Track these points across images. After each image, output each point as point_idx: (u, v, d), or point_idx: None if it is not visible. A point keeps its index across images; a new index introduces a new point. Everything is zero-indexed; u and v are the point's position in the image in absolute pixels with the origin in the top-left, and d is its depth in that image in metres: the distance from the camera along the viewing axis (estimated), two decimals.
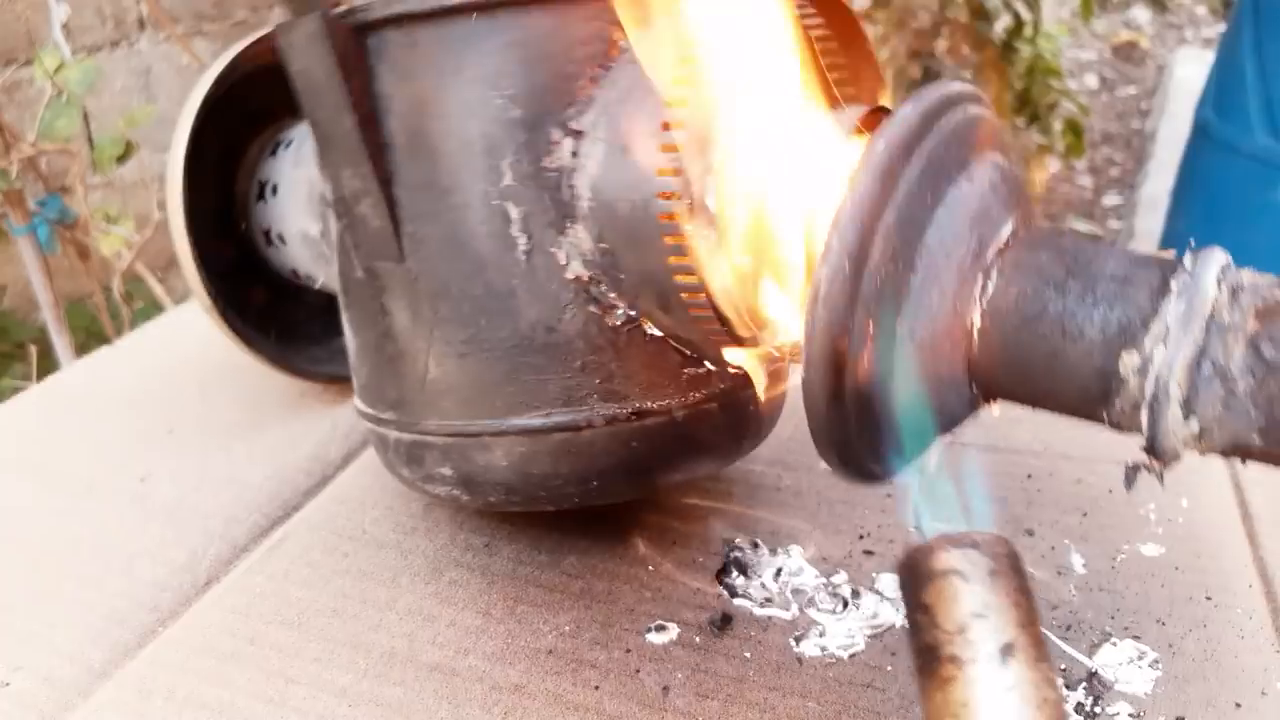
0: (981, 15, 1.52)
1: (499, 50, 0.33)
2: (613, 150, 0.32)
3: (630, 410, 0.36)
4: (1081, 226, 2.34)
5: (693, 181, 0.30)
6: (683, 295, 0.32)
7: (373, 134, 0.35)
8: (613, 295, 0.34)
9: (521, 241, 0.34)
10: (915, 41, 1.56)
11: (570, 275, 0.34)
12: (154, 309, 1.05)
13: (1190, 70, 2.74)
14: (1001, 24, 1.59)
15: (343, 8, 0.34)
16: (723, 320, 0.32)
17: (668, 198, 0.30)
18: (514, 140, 0.34)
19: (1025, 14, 1.57)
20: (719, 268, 0.30)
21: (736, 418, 0.38)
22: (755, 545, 0.42)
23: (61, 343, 0.96)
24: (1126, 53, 3.17)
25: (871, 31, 1.66)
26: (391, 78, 0.35)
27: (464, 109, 0.34)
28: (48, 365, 0.98)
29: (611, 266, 0.33)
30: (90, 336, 1.06)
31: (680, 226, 0.30)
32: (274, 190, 0.52)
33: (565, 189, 0.34)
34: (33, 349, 0.98)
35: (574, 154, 0.33)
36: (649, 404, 0.36)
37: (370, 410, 0.40)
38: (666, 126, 0.30)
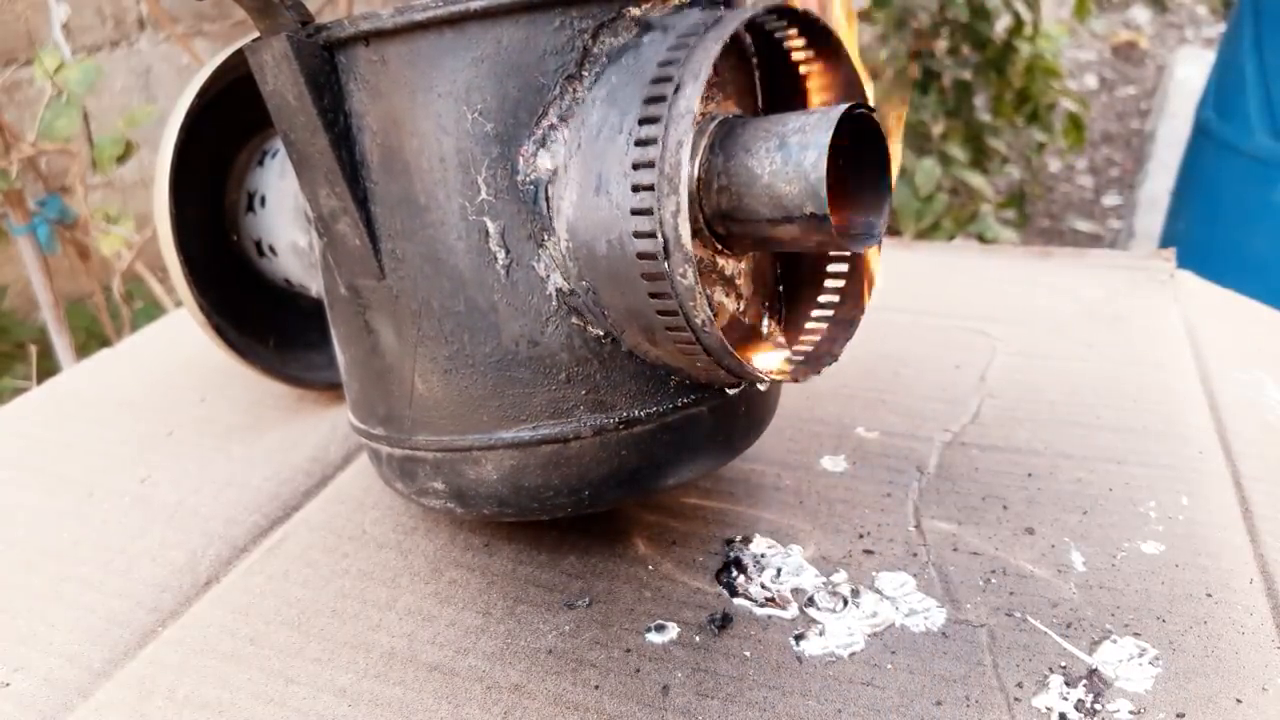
0: (981, 15, 1.52)
1: (469, 65, 0.33)
2: (586, 191, 0.32)
3: (618, 420, 0.36)
4: (1082, 226, 2.34)
5: (665, 221, 0.30)
6: (667, 330, 0.32)
7: (347, 153, 0.35)
8: (595, 306, 0.34)
9: (500, 256, 0.34)
10: (915, 41, 1.56)
11: (551, 288, 0.34)
12: (154, 309, 1.05)
13: (1190, 70, 2.74)
14: (1001, 24, 1.59)
15: (311, 26, 0.34)
16: (709, 351, 0.32)
17: (642, 236, 0.30)
18: (488, 155, 0.33)
19: (1025, 14, 1.57)
20: (699, 303, 0.30)
21: (727, 421, 0.38)
22: (755, 545, 0.42)
23: (61, 343, 0.96)
24: (1126, 53, 3.17)
25: (871, 32, 1.66)
26: (363, 96, 0.34)
27: (437, 125, 0.34)
28: (48, 365, 0.98)
29: (595, 303, 0.33)
30: (90, 336, 1.06)
31: (658, 265, 0.30)
32: (262, 201, 0.52)
33: (542, 201, 0.33)
34: (33, 349, 0.98)
35: (549, 166, 0.33)
36: (637, 412, 0.36)
37: (362, 425, 0.40)
38: (637, 166, 0.30)
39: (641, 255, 0.30)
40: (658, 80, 0.31)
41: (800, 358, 0.38)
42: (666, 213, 0.30)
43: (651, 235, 0.30)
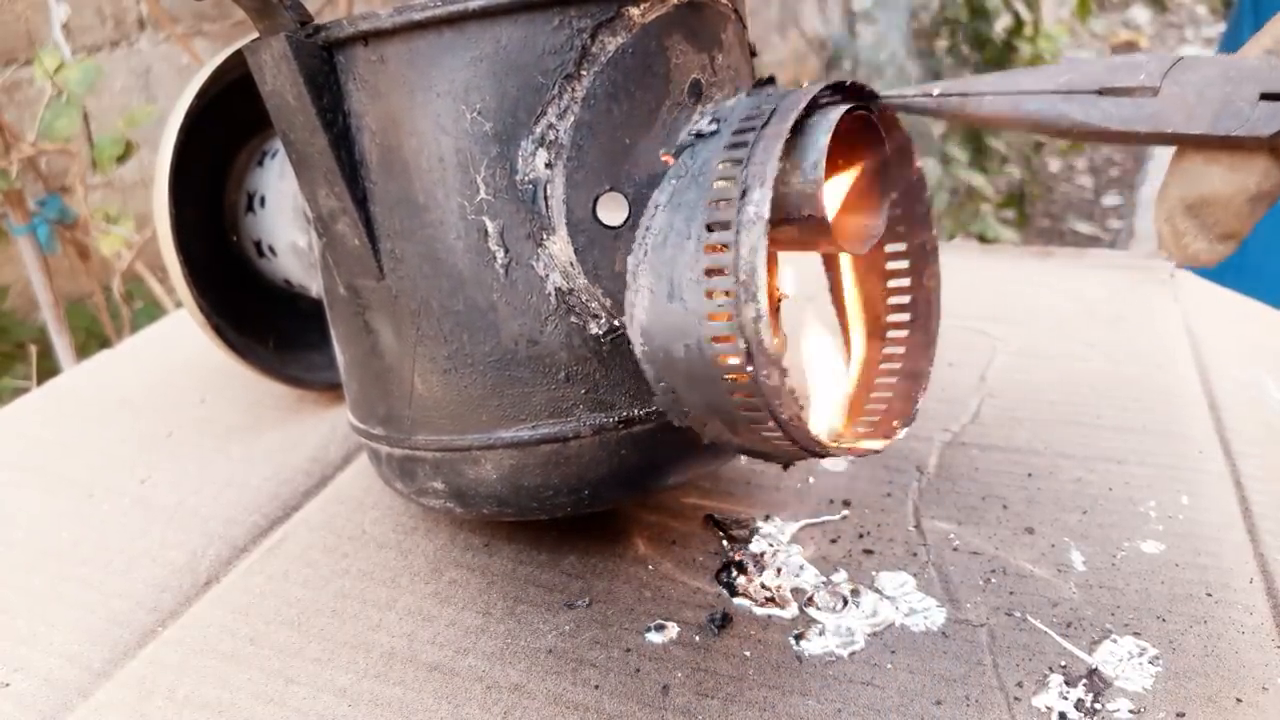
0: (981, 15, 1.53)
1: (467, 64, 0.33)
2: (658, 297, 0.32)
3: (618, 419, 0.36)
4: (1082, 227, 2.34)
5: (747, 327, 0.30)
6: (752, 425, 0.32)
7: (346, 153, 0.35)
8: (594, 305, 0.34)
9: (499, 255, 0.34)
10: (915, 41, 1.57)
11: (550, 287, 0.34)
12: (154, 309, 1.05)
13: None
14: (1001, 24, 1.59)
15: (310, 26, 0.34)
16: (794, 440, 0.32)
17: (722, 341, 0.30)
18: (487, 154, 0.33)
19: (1025, 14, 1.57)
20: (786, 401, 0.30)
21: None
22: (755, 545, 0.42)
23: (61, 343, 0.96)
24: (1126, 53, 3.17)
25: (871, 32, 1.66)
26: (362, 96, 0.34)
27: (435, 125, 0.34)
28: (48, 365, 0.98)
29: (674, 402, 0.33)
30: (90, 337, 1.06)
31: (742, 368, 0.30)
32: (262, 202, 0.52)
33: (540, 201, 0.34)
34: (33, 349, 0.98)
35: (547, 165, 0.33)
36: (637, 411, 0.36)
37: (362, 425, 0.40)
38: (710, 273, 0.30)
39: (723, 358, 0.30)
40: (721, 180, 0.31)
41: (875, 418, 0.38)
42: (747, 319, 0.30)
43: (731, 340, 0.30)
